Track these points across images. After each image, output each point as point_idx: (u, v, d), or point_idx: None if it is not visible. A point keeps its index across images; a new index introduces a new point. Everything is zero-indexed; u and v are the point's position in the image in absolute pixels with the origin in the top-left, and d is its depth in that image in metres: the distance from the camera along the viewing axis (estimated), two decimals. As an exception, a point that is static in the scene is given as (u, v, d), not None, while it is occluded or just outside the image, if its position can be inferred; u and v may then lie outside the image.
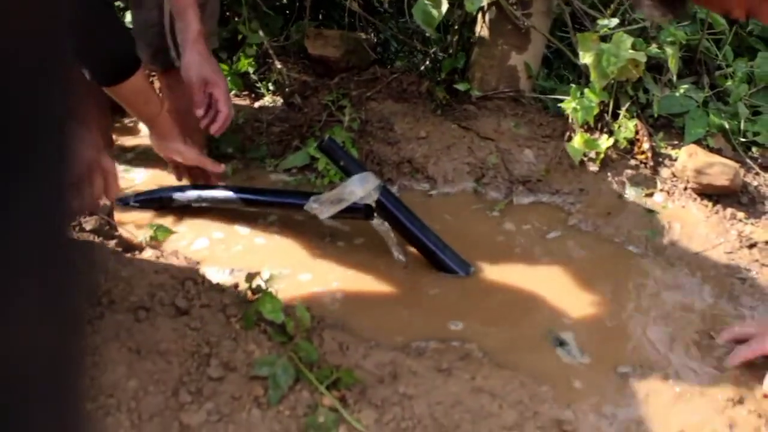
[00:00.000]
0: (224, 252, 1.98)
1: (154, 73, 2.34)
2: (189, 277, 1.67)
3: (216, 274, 1.85)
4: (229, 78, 2.52)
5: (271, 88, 2.55)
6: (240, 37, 2.59)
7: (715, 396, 1.53)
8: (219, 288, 1.69)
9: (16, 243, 0.33)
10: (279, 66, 2.48)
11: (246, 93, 2.58)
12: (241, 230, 2.06)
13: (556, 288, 1.86)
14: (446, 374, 1.53)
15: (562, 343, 1.68)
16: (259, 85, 2.58)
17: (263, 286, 1.66)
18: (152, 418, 1.37)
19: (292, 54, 2.63)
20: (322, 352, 1.55)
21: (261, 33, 2.51)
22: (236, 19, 2.57)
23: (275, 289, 1.81)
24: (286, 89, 2.48)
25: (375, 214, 1.84)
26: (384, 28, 2.71)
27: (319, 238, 2.00)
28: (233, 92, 2.54)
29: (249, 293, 1.68)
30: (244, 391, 1.43)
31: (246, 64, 2.56)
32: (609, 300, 1.84)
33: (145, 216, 2.10)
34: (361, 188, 1.81)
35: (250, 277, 1.68)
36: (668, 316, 1.77)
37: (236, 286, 1.73)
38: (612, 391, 1.56)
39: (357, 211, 1.81)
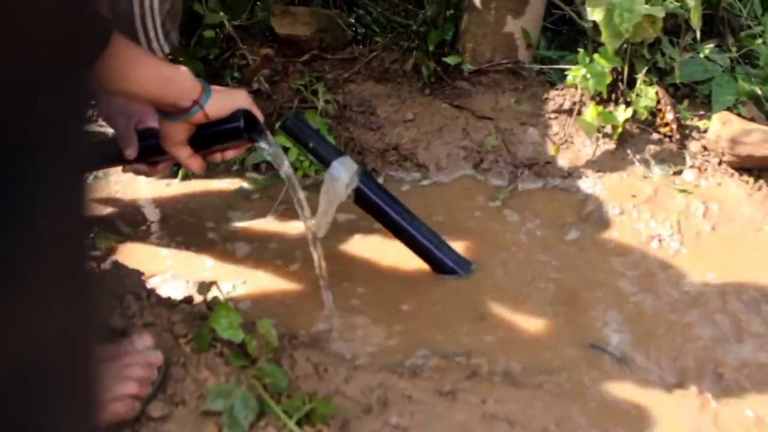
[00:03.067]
0: (183, 261, 1.68)
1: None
2: (130, 291, 1.37)
3: (168, 287, 1.55)
4: (188, 64, 2.23)
5: (235, 75, 2.26)
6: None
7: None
8: (168, 303, 1.40)
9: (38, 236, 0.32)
10: (242, 47, 2.18)
11: (207, 79, 2.28)
12: (208, 236, 1.76)
13: (574, 288, 1.57)
14: (450, 398, 1.23)
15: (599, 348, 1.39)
16: (222, 71, 2.29)
17: (221, 297, 1.37)
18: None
19: (258, 35, 2.33)
20: (293, 377, 1.26)
21: (221, 13, 2.21)
22: (193, -2, 2.28)
23: (233, 302, 1.51)
24: (252, 75, 2.18)
25: (265, 129, 1.45)
26: (361, 1, 2.41)
27: (291, 243, 1.70)
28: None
29: (204, 308, 1.38)
30: (193, 431, 1.13)
31: (204, 49, 2.26)
32: (641, 303, 1.54)
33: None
34: (345, 173, 1.51)
35: (204, 287, 1.38)
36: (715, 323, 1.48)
37: (189, 300, 1.44)
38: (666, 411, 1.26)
39: (235, 133, 1.42)
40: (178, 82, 1.35)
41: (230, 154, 1.51)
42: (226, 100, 1.41)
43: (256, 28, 2.33)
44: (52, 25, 0.30)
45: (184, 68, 1.41)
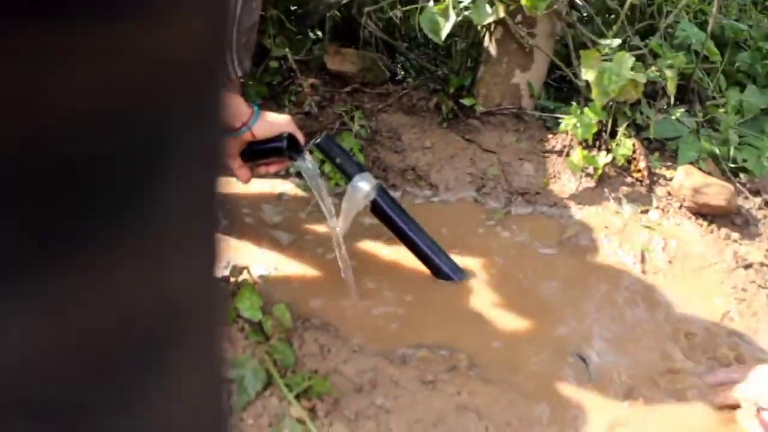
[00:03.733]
0: (227, 245, 1.57)
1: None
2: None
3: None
4: (255, 87, 2.13)
5: (292, 99, 2.15)
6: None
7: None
8: (207, 281, 1.29)
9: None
10: (300, 77, 2.07)
11: (269, 100, 2.17)
12: (250, 226, 1.65)
13: (551, 302, 1.44)
14: (430, 387, 1.11)
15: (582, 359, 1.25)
16: (282, 95, 2.18)
17: (249, 281, 1.26)
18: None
19: (314, 69, 2.22)
20: (300, 355, 1.14)
21: (286, 48, 2.11)
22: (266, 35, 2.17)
23: (259, 285, 1.40)
24: (305, 99, 2.07)
25: (304, 150, 1.35)
26: (399, 48, 2.29)
27: (320, 240, 1.59)
28: (259, 99, 2.14)
29: (235, 288, 1.27)
30: (208, 395, 1.01)
31: (269, 76, 2.15)
32: (603, 318, 1.41)
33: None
34: (367, 185, 1.40)
35: (236, 270, 1.27)
36: (666, 337, 1.34)
37: (226, 279, 1.32)
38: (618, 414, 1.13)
39: (277, 152, 1.33)
40: (232, 107, 1.28)
41: (273, 168, 1.43)
42: (271, 124, 1.33)
43: (313, 62, 2.23)
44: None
45: (237, 95, 1.34)
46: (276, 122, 1.34)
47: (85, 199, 0.24)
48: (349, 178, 1.42)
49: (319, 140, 1.43)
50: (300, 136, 1.37)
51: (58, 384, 0.26)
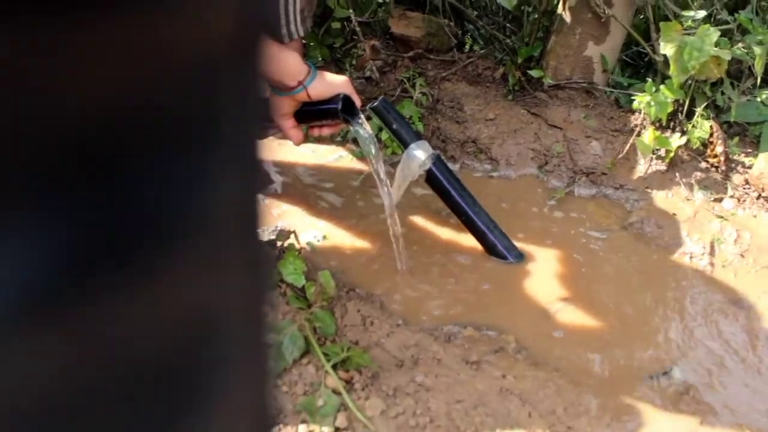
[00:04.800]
0: (276, 210, 1.57)
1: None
2: (223, 228, 1.26)
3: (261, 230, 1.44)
4: (316, 48, 2.11)
5: (354, 63, 2.12)
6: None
7: None
8: (253, 243, 1.28)
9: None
10: (363, 40, 2.04)
11: (331, 63, 2.15)
12: (305, 191, 1.64)
13: (607, 291, 1.39)
14: (474, 368, 1.08)
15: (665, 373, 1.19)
16: (343, 59, 2.16)
17: (296, 246, 1.25)
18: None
19: (378, 32, 2.19)
20: (342, 325, 1.13)
21: (350, 9, 2.08)
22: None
23: (308, 251, 1.39)
24: (366, 64, 2.04)
25: (360, 113, 1.33)
26: (467, 14, 2.24)
27: (373, 209, 1.57)
28: (320, 61, 2.12)
29: (281, 252, 1.27)
30: (245, 358, 1.01)
31: (331, 38, 2.13)
32: (660, 311, 1.35)
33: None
34: (423, 153, 1.37)
35: (283, 235, 1.27)
36: (728, 342, 1.28)
37: (272, 243, 1.32)
38: (666, 412, 1.08)
39: (332, 113, 1.31)
40: (288, 63, 1.26)
41: (326, 131, 1.41)
42: (328, 84, 1.30)
43: (377, 25, 2.19)
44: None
45: (294, 53, 1.32)
46: (333, 83, 1.32)
47: (130, 204, 0.22)
48: (405, 145, 1.40)
49: (376, 104, 1.41)
50: (357, 99, 1.34)
51: (100, 408, 0.24)
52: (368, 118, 1.48)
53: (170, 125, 0.23)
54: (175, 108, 0.23)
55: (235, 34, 0.25)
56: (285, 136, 1.42)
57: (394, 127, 1.39)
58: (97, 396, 0.24)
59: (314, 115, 1.36)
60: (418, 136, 1.41)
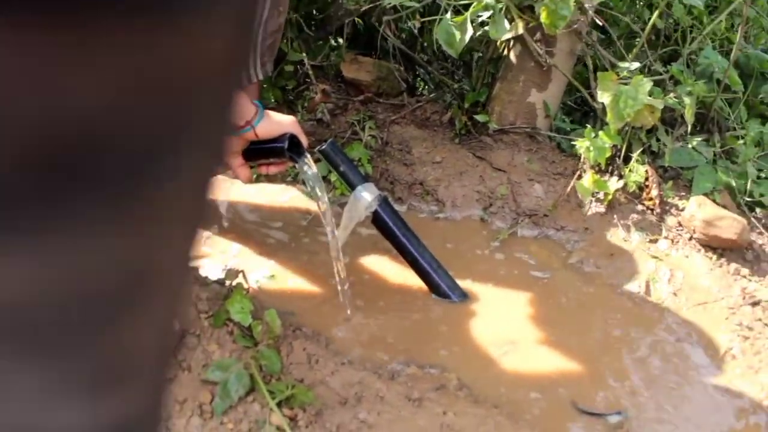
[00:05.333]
0: (225, 249, 1.59)
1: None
2: (171, 267, 1.28)
3: (210, 268, 1.46)
4: (269, 90, 2.15)
5: (305, 105, 2.17)
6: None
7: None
8: (202, 282, 1.31)
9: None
10: (315, 83, 2.09)
11: (283, 105, 2.19)
12: (253, 231, 1.67)
13: (550, 329, 1.44)
14: (416, 404, 1.11)
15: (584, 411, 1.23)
16: (295, 101, 2.20)
17: (244, 285, 1.27)
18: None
19: (330, 75, 2.25)
20: (287, 363, 1.15)
21: (303, 54, 2.13)
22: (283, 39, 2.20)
23: (256, 290, 1.42)
24: (318, 106, 2.09)
25: (305, 153, 1.36)
26: (417, 59, 2.31)
27: (320, 249, 1.60)
28: (273, 102, 2.16)
29: (228, 291, 1.29)
30: (190, 395, 1.03)
31: (284, 80, 2.18)
32: (600, 349, 1.41)
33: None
34: (370, 195, 1.42)
35: (231, 273, 1.29)
36: (664, 373, 1.34)
37: (221, 282, 1.34)
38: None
39: (278, 152, 1.34)
40: (237, 105, 1.28)
41: (273, 169, 1.45)
42: (275, 124, 1.35)
43: (329, 69, 2.25)
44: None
45: (244, 95, 1.35)
46: (281, 123, 1.36)
47: (95, 172, 0.27)
48: (352, 187, 1.44)
49: (324, 147, 1.45)
50: (303, 139, 1.38)
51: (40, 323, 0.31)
52: (317, 160, 1.52)
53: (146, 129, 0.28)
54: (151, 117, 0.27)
55: (224, 58, 0.29)
56: (233, 175, 1.45)
57: (342, 169, 1.44)
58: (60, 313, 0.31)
59: (261, 154, 1.40)
60: (365, 179, 1.46)
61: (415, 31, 2.26)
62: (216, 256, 1.56)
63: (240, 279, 1.28)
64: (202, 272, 1.35)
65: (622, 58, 1.87)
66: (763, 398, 1.31)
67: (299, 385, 1.08)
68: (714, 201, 1.77)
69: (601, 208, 1.78)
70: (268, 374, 1.10)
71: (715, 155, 1.92)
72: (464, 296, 1.48)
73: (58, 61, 0.23)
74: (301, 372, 1.14)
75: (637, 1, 2.20)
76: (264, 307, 1.24)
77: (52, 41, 0.22)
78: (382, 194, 1.45)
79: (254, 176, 1.88)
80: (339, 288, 1.39)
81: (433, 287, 1.47)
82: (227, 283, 1.30)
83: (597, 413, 1.22)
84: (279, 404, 1.03)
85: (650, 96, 1.67)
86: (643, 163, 1.81)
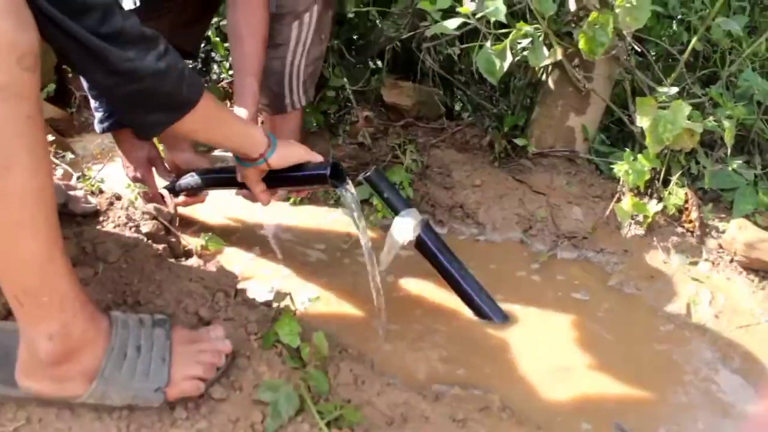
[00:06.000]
0: (276, 271, 1.64)
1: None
2: (221, 289, 1.33)
3: (257, 290, 1.51)
4: (312, 115, 2.21)
5: (347, 129, 2.22)
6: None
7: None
8: (250, 304, 1.35)
9: None
10: (356, 107, 2.14)
11: (325, 129, 2.24)
12: (301, 255, 1.71)
13: (591, 352, 1.45)
14: (460, 425, 1.14)
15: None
16: (337, 125, 2.25)
17: (291, 307, 1.31)
18: (140, 429, 1.02)
19: (371, 100, 2.30)
20: (335, 384, 1.18)
21: (344, 79, 2.19)
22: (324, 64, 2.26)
23: (303, 312, 1.46)
24: (359, 130, 2.14)
25: (347, 179, 1.40)
26: (456, 84, 2.35)
27: (362, 273, 1.64)
28: (315, 126, 2.22)
29: (277, 313, 1.33)
30: (243, 415, 1.07)
31: (326, 104, 2.23)
32: (643, 373, 1.42)
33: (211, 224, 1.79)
34: (413, 220, 1.45)
35: (279, 296, 1.33)
36: (706, 397, 1.34)
37: (268, 304, 1.38)
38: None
39: (320, 179, 1.38)
40: (252, 137, 1.34)
41: (295, 194, 1.51)
42: (287, 154, 1.39)
43: (370, 93, 2.30)
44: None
45: (258, 127, 1.40)
46: (291, 154, 1.40)
47: None
48: (396, 212, 1.47)
49: (369, 173, 1.49)
50: (316, 158, 1.42)
51: None
52: (357, 184, 1.56)
53: None
54: None
55: None
56: (253, 200, 1.51)
57: (385, 195, 1.47)
58: None
59: (301, 181, 1.43)
60: (408, 205, 1.49)
61: (455, 57, 2.30)
62: (262, 277, 1.60)
63: (287, 301, 1.32)
64: (250, 294, 1.40)
65: (660, 82, 1.88)
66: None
67: (347, 405, 1.11)
68: (755, 223, 1.77)
69: (641, 231, 1.78)
70: (316, 395, 1.13)
71: (755, 177, 1.92)
72: (506, 318, 1.50)
73: None
74: (348, 392, 1.17)
75: (675, 24, 2.21)
76: (310, 329, 1.28)
77: None
78: (425, 218, 1.49)
79: (299, 199, 1.94)
80: (377, 308, 1.42)
81: (476, 310, 1.50)
82: (275, 305, 1.35)
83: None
84: (328, 424, 1.06)
85: (689, 119, 1.68)
86: (682, 186, 1.81)
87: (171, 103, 1.13)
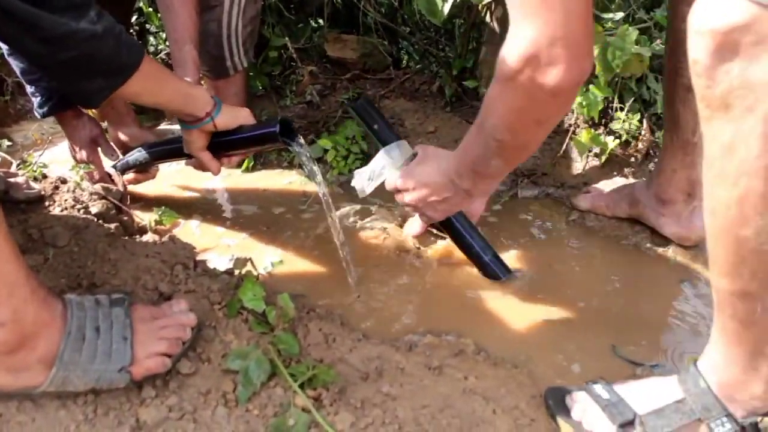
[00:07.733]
0: (231, 239, 1.59)
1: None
2: (180, 262, 1.28)
3: (217, 260, 1.46)
4: (255, 78, 2.14)
5: (293, 89, 2.16)
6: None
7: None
8: (211, 274, 1.30)
9: None
10: (300, 66, 2.08)
11: (271, 91, 2.17)
12: (257, 220, 1.67)
13: (563, 289, 1.43)
14: (437, 372, 1.12)
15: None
16: (283, 86, 2.19)
17: (254, 272, 1.27)
18: (108, 412, 0.98)
19: (314, 57, 2.23)
20: (305, 345, 1.16)
21: (285, 38, 2.12)
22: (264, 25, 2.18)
23: (267, 276, 1.42)
24: (306, 89, 2.08)
25: (297, 135, 1.37)
26: (400, 32, 2.29)
27: (326, 229, 1.60)
28: (260, 90, 2.15)
29: (239, 280, 1.29)
30: (213, 386, 1.03)
31: (269, 66, 2.16)
32: (617, 305, 1.41)
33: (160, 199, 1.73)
34: (400, 154, 1.41)
35: (240, 262, 1.28)
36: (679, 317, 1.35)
37: (230, 272, 1.34)
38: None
39: (269, 137, 1.35)
40: (197, 97, 1.32)
41: (235, 159, 1.50)
42: (233, 115, 1.37)
43: (313, 50, 2.24)
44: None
45: (202, 88, 1.37)
46: (237, 115, 1.38)
47: None
48: (384, 145, 1.43)
49: (357, 102, 1.44)
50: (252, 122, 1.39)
51: None
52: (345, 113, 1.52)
53: None
54: None
55: None
56: (203, 169, 1.46)
57: (375, 126, 1.44)
58: None
59: (250, 142, 1.39)
60: (398, 138, 1.45)
61: (395, 4, 2.24)
62: (222, 247, 1.55)
63: (249, 267, 1.27)
64: (210, 264, 1.35)
65: (605, 9, 1.85)
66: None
67: (319, 365, 1.08)
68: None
69: (598, 162, 1.77)
70: (287, 358, 1.10)
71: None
72: (513, 275, 1.45)
73: None
74: (320, 352, 1.14)
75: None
76: (276, 293, 1.24)
77: None
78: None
79: (251, 164, 1.89)
80: (343, 262, 1.39)
81: (483, 268, 1.44)
82: (236, 272, 1.30)
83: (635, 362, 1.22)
84: (302, 386, 1.03)
85: (637, 45, 1.66)
86: (636, 112, 1.80)
87: (112, 67, 1.09)
